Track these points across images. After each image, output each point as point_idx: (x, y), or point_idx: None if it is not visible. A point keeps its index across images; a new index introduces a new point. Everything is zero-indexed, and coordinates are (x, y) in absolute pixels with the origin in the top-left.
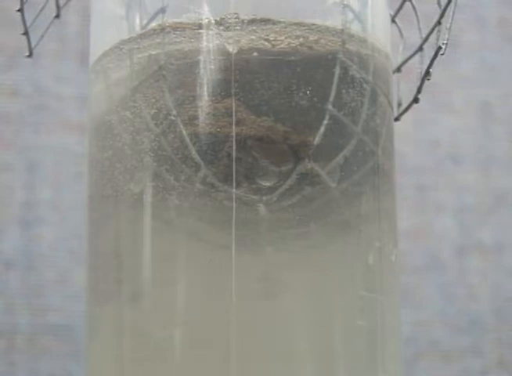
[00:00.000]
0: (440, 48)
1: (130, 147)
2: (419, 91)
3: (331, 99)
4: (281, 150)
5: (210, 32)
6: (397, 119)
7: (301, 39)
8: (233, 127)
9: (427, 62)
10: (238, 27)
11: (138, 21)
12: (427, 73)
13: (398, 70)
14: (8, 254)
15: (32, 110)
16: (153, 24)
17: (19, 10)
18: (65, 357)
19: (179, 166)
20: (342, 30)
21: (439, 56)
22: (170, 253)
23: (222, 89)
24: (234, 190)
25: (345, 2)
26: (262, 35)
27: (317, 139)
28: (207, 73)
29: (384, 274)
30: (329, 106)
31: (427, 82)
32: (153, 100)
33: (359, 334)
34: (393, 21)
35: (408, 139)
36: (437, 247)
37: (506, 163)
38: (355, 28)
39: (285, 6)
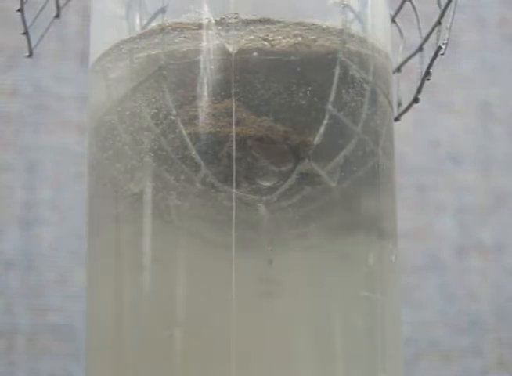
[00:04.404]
0: (440, 48)
1: (130, 147)
2: (419, 91)
3: (331, 99)
4: (281, 150)
5: (210, 32)
6: (397, 119)
7: (300, 38)
8: (233, 127)
9: (427, 62)
10: (238, 27)
11: (138, 21)
12: (427, 73)
13: (398, 70)
14: (8, 254)
15: (32, 110)
16: (153, 24)
17: (19, 10)
18: (65, 357)
19: (179, 166)
20: (342, 30)
21: (439, 55)
22: (170, 253)
23: (222, 89)
24: (234, 190)
25: (345, 2)
26: (262, 35)
27: (317, 139)
28: (207, 73)
29: (383, 274)
30: (329, 106)
31: (427, 82)
32: (153, 100)
33: (359, 334)
34: (393, 21)
35: (408, 139)
36: (437, 247)
37: (506, 163)
38: (355, 28)
39: (285, 6)
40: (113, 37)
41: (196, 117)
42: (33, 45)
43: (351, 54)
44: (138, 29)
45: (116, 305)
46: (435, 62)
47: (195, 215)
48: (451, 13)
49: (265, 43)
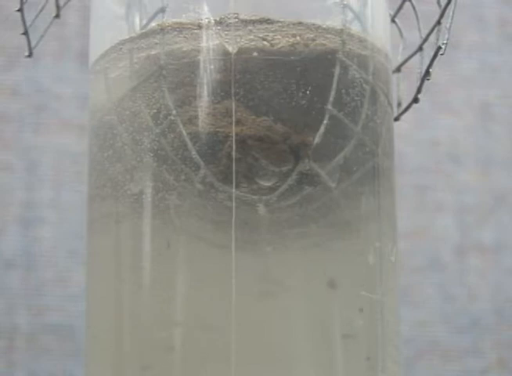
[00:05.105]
0: (440, 48)
1: (130, 147)
2: (419, 91)
3: (331, 99)
4: (281, 150)
5: (210, 32)
6: (397, 119)
7: (299, 39)
8: (233, 127)
9: (427, 62)
10: (238, 27)
11: (138, 21)
12: (427, 73)
13: (398, 70)
14: (8, 254)
15: (32, 110)
16: (153, 24)
17: (19, 10)
18: (65, 357)
19: (179, 166)
20: (342, 30)
21: (439, 55)
22: (170, 253)
23: (222, 89)
24: (234, 190)
25: (345, 2)
26: (262, 35)
27: (317, 139)
28: (207, 73)
29: (383, 274)
30: (329, 106)
31: (427, 82)
32: (153, 100)
33: (359, 334)
34: (393, 21)
35: (408, 139)
36: (437, 247)
37: (506, 163)
38: (355, 28)
39: (285, 6)
40: (113, 37)
41: (196, 117)
42: (33, 45)
43: (351, 54)
44: (138, 29)
45: (116, 305)
46: (435, 62)
47: (195, 215)
48: (451, 13)
49: (265, 43)
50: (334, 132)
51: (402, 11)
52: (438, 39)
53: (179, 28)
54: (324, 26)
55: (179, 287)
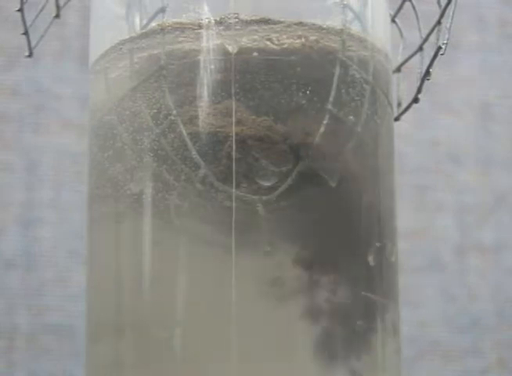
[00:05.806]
0: (440, 48)
1: (130, 147)
2: (419, 91)
3: (331, 99)
4: (281, 150)
5: (211, 32)
6: (397, 119)
7: (303, 39)
8: (233, 127)
9: (427, 62)
10: (238, 27)
11: (138, 21)
12: (427, 73)
13: (398, 70)
14: (8, 254)
15: (32, 110)
16: (153, 24)
17: (19, 10)
18: (65, 357)
19: (179, 166)
20: (342, 30)
21: (439, 55)
22: (170, 253)
23: (222, 89)
24: (234, 190)
25: (345, 2)
26: (263, 35)
27: (317, 139)
28: (207, 73)
29: (383, 274)
30: (329, 106)
31: (427, 82)
32: (153, 100)
33: (359, 334)
34: (393, 21)
35: (408, 139)
36: (437, 247)
37: (506, 163)
38: (355, 28)
39: (285, 6)
40: (113, 37)
41: (196, 117)
42: (33, 45)
43: (351, 54)
44: (138, 29)
45: (116, 305)
46: (435, 62)
47: (195, 215)
48: (451, 13)
49: (267, 43)
50: (334, 132)
51: (402, 11)
52: (438, 39)
53: (179, 28)
54: (324, 26)
55: (179, 287)
